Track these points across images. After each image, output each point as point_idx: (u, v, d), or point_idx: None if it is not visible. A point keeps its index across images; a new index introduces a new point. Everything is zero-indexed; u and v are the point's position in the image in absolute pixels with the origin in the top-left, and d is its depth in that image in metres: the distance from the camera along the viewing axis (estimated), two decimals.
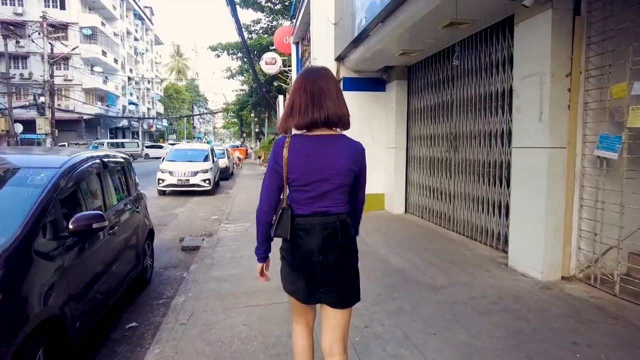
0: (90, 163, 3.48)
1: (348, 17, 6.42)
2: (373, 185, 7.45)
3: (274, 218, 1.67)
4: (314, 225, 1.60)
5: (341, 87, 7.49)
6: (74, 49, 23.58)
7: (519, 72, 3.86)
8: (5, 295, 2.01)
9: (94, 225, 2.77)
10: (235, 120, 43.75)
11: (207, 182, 11.80)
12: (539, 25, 3.56)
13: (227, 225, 7.00)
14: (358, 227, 1.90)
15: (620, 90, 3.13)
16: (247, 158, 29.64)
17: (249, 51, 14.30)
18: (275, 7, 19.98)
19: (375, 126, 7.43)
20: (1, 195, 2.77)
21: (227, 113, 39.47)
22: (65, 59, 30.01)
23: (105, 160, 3.89)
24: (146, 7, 50.78)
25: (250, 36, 20.54)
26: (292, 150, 1.57)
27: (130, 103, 44.32)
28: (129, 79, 44.20)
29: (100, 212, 3.04)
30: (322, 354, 1.72)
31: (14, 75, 25.82)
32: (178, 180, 11.61)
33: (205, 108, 68.61)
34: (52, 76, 21.53)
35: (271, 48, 15.18)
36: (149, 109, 51.23)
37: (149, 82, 51.69)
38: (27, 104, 24.69)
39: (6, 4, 29.83)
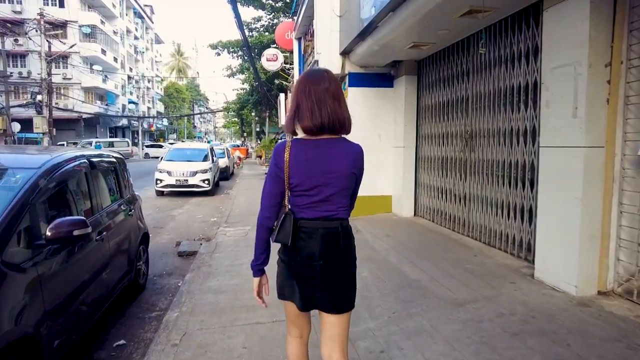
0: (75, 163, 3.18)
1: (355, 8, 6.04)
2: (380, 186, 7.08)
3: (275, 223, 1.64)
4: (317, 229, 1.59)
5: (346, 83, 7.18)
6: (71, 47, 23.17)
7: (548, 62, 3.48)
8: None
9: (75, 232, 2.49)
10: (236, 119, 43.40)
11: (206, 182, 11.45)
12: (574, 9, 3.18)
13: (226, 229, 6.64)
14: None
15: None
16: (247, 158, 29.29)
17: (249, 47, 13.93)
18: (277, 5, 19.62)
19: (383, 124, 7.05)
20: None
21: (228, 112, 39.10)
22: (64, 57, 29.70)
23: (94, 159, 3.59)
24: (146, 5, 50.41)
25: (250, 34, 20.18)
26: (293, 154, 1.56)
27: (130, 102, 43.98)
28: (129, 77, 43.85)
29: (82, 217, 2.72)
30: None
31: (12, 73, 25.47)
32: (176, 180, 11.27)
33: (206, 107, 68.26)
34: (49, 74, 21.17)
35: (272, 46, 14.83)
36: (149, 108, 50.89)
37: (149, 81, 51.35)
38: (24, 102, 24.35)
39: (4, 2, 29.47)
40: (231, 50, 21.60)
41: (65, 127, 30.82)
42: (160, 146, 34.23)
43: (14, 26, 24.34)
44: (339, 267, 1.62)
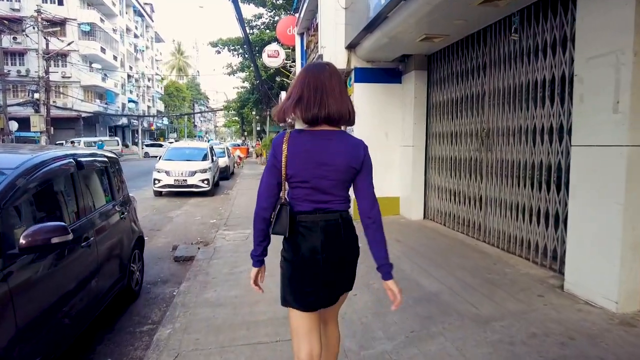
0: (59, 163, 2.90)
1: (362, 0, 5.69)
2: (387, 187, 6.73)
3: (272, 215, 1.62)
4: (317, 222, 1.57)
5: (352, 78, 6.82)
6: (69, 44, 22.81)
7: (584, 52, 3.13)
8: None
9: (54, 240, 2.24)
10: (237, 118, 43.05)
11: (205, 182, 11.10)
12: None
13: (225, 232, 6.30)
14: (386, 253, 1.70)
15: None
16: (248, 157, 28.95)
17: (250, 43, 13.57)
18: (278, 2, 19.25)
19: (390, 122, 6.71)
20: None
21: (228, 111, 38.75)
22: (64, 55, 29.38)
23: (82, 159, 3.30)
24: (146, 3, 50.03)
25: (251, 32, 19.82)
26: (291, 146, 1.55)
27: (130, 101, 43.63)
28: (129, 76, 43.50)
29: (62, 223, 2.43)
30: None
31: (9, 71, 25.13)
32: (175, 180, 10.93)
33: (207, 106, 67.91)
34: (47, 72, 20.83)
35: (274, 37, 14.47)
36: (149, 107, 50.53)
37: (149, 79, 51.00)
38: (22, 101, 24.04)
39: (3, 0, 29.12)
40: (231, 48, 21.27)
41: (65, 126, 30.52)
42: (160, 145, 33.91)
43: (12, 24, 24.00)
44: (342, 259, 1.61)
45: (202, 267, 4.54)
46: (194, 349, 2.71)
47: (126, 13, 42.77)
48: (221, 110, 45.46)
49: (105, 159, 3.95)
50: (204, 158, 11.92)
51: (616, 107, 2.84)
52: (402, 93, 6.65)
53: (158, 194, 11.27)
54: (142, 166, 20.57)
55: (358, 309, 3.21)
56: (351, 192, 1.66)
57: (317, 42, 7.81)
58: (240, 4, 17.15)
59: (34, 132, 21.76)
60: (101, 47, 34.01)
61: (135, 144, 38.41)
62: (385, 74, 6.65)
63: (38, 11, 20.44)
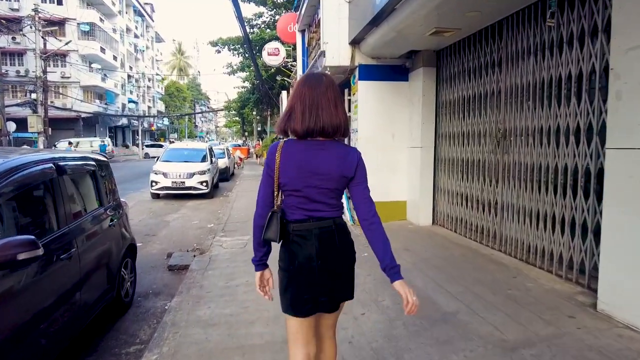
0: (37, 168, 2.64)
1: None
2: (393, 191, 6.38)
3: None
4: (311, 230, 1.59)
5: (356, 76, 6.47)
6: (67, 43, 22.47)
7: (622, 43, 2.78)
8: None
9: (21, 256, 2.04)
10: (237, 118, 42.74)
11: (204, 184, 10.77)
12: None
13: (222, 239, 5.96)
14: (391, 253, 1.63)
15: None
16: (249, 158, 28.63)
17: (250, 40, 13.22)
18: (278, 1, 18.92)
19: (397, 122, 6.36)
20: None
21: (229, 111, 38.45)
22: (63, 55, 29.11)
23: (63, 163, 3.03)
24: (146, 3, 49.77)
25: (252, 30, 19.50)
26: (284, 155, 1.59)
27: (130, 101, 43.35)
28: (129, 76, 43.22)
29: (31, 236, 2.16)
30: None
31: (7, 71, 24.86)
32: (172, 182, 10.59)
33: (207, 107, 67.62)
34: (44, 72, 20.54)
35: (273, 39, 14.13)
36: (149, 107, 50.27)
37: (149, 80, 50.73)
38: (20, 101, 23.76)
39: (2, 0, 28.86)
40: (232, 47, 20.96)
41: (64, 126, 30.26)
42: (161, 146, 33.58)
43: (10, 23, 23.72)
44: (338, 266, 1.62)
45: (196, 279, 4.20)
46: None
47: (126, 13, 42.50)
48: (222, 110, 45.20)
49: (92, 163, 3.68)
50: (203, 159, 11.59)
51: None
52: (409, 91, 6.30)
53: (155, 196, 10.95)
54: (141, 167, 20.30)
55: (367, 331, 2.87)
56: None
57: (318, 39, 7.47)
58: (241, 3, 16.88)
59: (31, 132, 21.46)
60: (101, 47, 33.73)
61: (136, 144, 38.13)
62: (391, 71, 6.30)
63: (35, 10, 20.13)
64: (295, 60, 12.78)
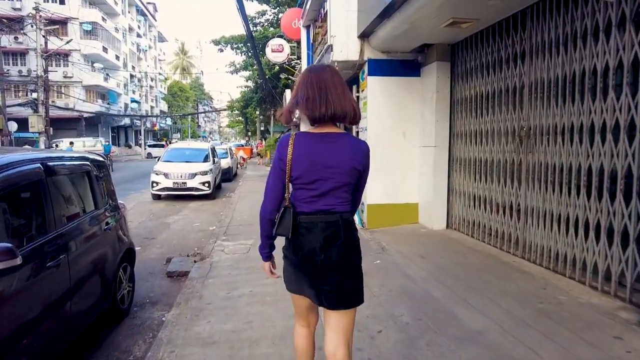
0: (21, 169, 2.43)
1: None
2: (404, 193, 6.06)
3: (276, 216, 1.65)
4: (317, 224, 1.58)
5: (365, 71, 6.14)
6: (68, 42, 22.24)
7: None
8: None
9: None
10: (240, 118, 42.48)
11: (206, 185, 10.47)
12: None
13: (224, 243, 5.66)
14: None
15: None
16: (252, 158, 28.36)
17: (253, 37, 12.90)
18: None
19: (408, 120, 6.03)
20: None
21: (232, 111, 38.16)
22: (65, 55, 28.94)
23: (52, 164, 2.82)
24: (149, 2, 49.59)
25: (255, 29, 19.19)
26: (296, 147, 1.57)
27: (133, 101, 43.17)
28: (131, 76, 43.06)
29: (7, 244, 1.99)
30: (327, 358, 1.67)
31: (8, 70, 24.69)
32: (174, 183, 10.31)
33: (210, 107, 67.44)
34: (45, 71, 20.33)
35: (277, 36, 13.82)
36: (152, 107, 50.10)
37: (152, 79, 50.57)
38: (22, 101, 23.60)
39: None
40: (234, 46, 20.67)
41: (66, 126, 30.12)
42: (163, 146, 33.41)
43: (12, 23, 23.54)
44: (341, 260, 1.59)
45: (195, 289, 3.90)
46: None
47: (129, 12, 42.32)
48: (225, 110, 44.93)
49: (88, 164, 3.45)
50: (205, 159, 11.31)
51: None
52: (421, 87, 5.96)
53: (156, 197, 10.67)
54: (143, 167, 20.08)
55: (385, 352, 2.55)
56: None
57: (324, 34, 7.15)
58: (244, 1, 16.54)
59: (33, 132, 21.27)
60: (103, 47, 33.55)
61: (139, 144, 37.93)
62: (402, 66, 5.97)
63: (36, 9, 19.93)
64: (299, 58, 12.47)
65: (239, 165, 20.07)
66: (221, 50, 21.06)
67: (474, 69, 5.19)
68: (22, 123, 22.33)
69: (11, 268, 2.00)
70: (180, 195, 10.63)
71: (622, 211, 3.12)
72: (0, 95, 20.57)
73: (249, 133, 43.48)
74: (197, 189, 10.38)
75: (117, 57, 37.16)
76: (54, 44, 22.11)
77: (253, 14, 20.17)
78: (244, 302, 3.48)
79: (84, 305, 2.83)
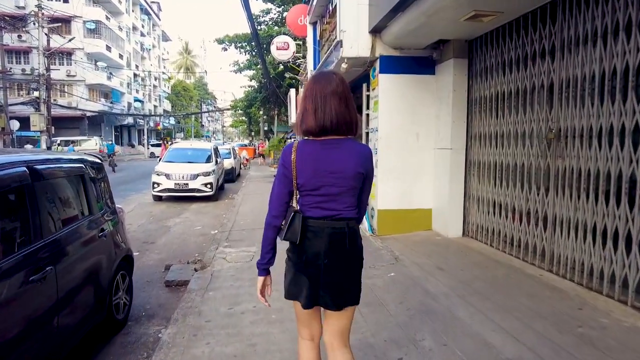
0: (3, 173, 2.21)
1: None
2: (417, 198, 5.72)
3: (283, 222, 1.67)
4: (323, 229, 1.61)
5: (376, 69, 5.80)
6: (70, 40, 22.04)
7: None
8: None
9: None
10: (244, 118, 42.22)
11: (208, 186, 10.17)
12: None
13: (226, 250, 5.34)
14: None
15: None
16: (255, 158, 28.08)
17: (257, 34, 12.61)
18: None
19: (421, 120, 5.69)
20: None
21: (235, 111, 37.90)
22: (68, 53, 28.78)
23: (40, 167, 2.57)
24: (153, 2, 49.45)
25: (259, 28, 18.89)
26: (299, 155, 1.61)
27: (136, 100, 43.03)
28: (135, 75, 42.91)
29: None
30: (325, 348, 1.73)
31: (11, 68, 24.49)
32: (175, 184, 10.02)
33: (214, 106, 67.27)
34: (47, 69, 20.13)
35: (282, 34, 13.51)
36: (155, 106, 49.94)
37: (155, 79, 50.42)
38: (24, 100, 23.43)
39: None
40: (238, 45, 20.38)
41: (69, 125, 30.00)
42: (160, 146, 33.14)
43: (15, 21, 23.36)
44: (344, 267, 1.63)
45: (194, 303, 3.58)
46: None
47: (132, 11, 42.18)
48: (228, 109, 44.68)
49: (81, 166, 3.19)
50: (208, 160, 11.02)
51: None
52: (436, 86, 5.62)
53: (157, 198, 10.38)
54: (146, 167, 19.86)
55: None
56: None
57: (332, 30, 6.82)
58: None
59: (34, 131, 21.09)
60: (107, 46, 33.40)
61: (142, 144, 37.74)
62: (415, 63, 5.63)
63: (39, 6, 19.72)
64: (304, 56, 12.16)
65: (242, 166, 19.80)
66: (225, 49, 20.77)
67: (494, 66, 4.85)
68: (25, 122, 22.16)
69: None
70: (181, 197, 10.35)
71: None
72: (2, 93, 20.43)
73: (253, 133, 43.23)
74: (199, 191, 10.09)
75: (121, 56, 37.02)
76: (57, 42, 21.92)
77: (257, 12, 19.90)
78: (247, 321, 3.16)
79: (73, 319, 2.59)
